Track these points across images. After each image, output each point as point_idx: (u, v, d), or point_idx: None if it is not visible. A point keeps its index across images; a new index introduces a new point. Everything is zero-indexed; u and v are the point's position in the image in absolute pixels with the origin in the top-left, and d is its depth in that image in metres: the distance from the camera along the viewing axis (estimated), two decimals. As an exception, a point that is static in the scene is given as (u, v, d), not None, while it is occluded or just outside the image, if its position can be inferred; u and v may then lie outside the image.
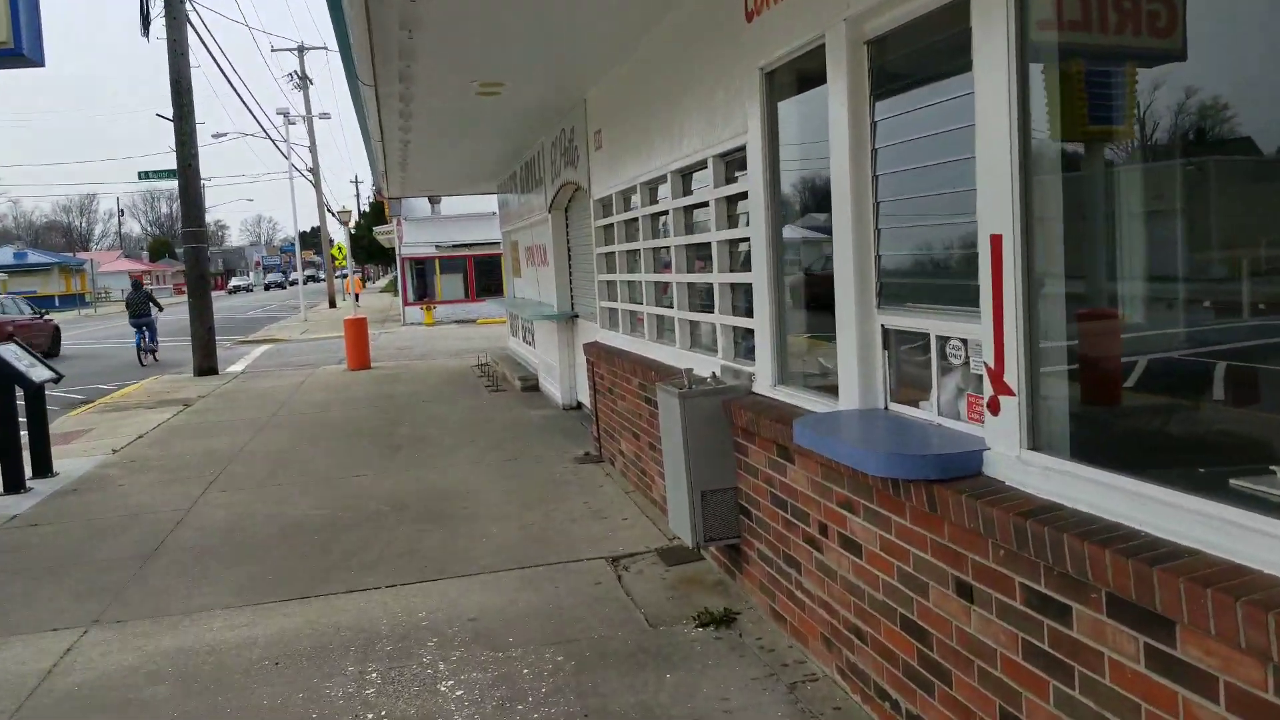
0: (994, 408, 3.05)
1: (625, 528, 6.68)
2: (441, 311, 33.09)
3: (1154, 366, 2.75)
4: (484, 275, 32.74)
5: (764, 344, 4.93)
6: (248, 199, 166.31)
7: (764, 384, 4.97)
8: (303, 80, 49.28)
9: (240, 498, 8.40)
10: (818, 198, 4.55)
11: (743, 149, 5.09)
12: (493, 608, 5.36)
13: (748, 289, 5.30)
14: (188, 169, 19.69)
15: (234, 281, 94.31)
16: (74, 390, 17.65)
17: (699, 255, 6.36)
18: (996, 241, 2.97)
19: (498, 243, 26.93)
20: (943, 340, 3.43)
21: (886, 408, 3.85)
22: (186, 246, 20.26)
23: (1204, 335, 2.57)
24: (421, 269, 34.04)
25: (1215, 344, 2.54)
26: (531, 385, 14.03)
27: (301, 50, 49.11)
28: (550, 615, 5.19)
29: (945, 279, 3.54)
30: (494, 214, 25.71)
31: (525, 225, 14.55)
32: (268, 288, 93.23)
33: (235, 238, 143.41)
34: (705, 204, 5.91)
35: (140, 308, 23.04)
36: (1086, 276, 2.97)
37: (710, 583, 5.50)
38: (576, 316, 11.64)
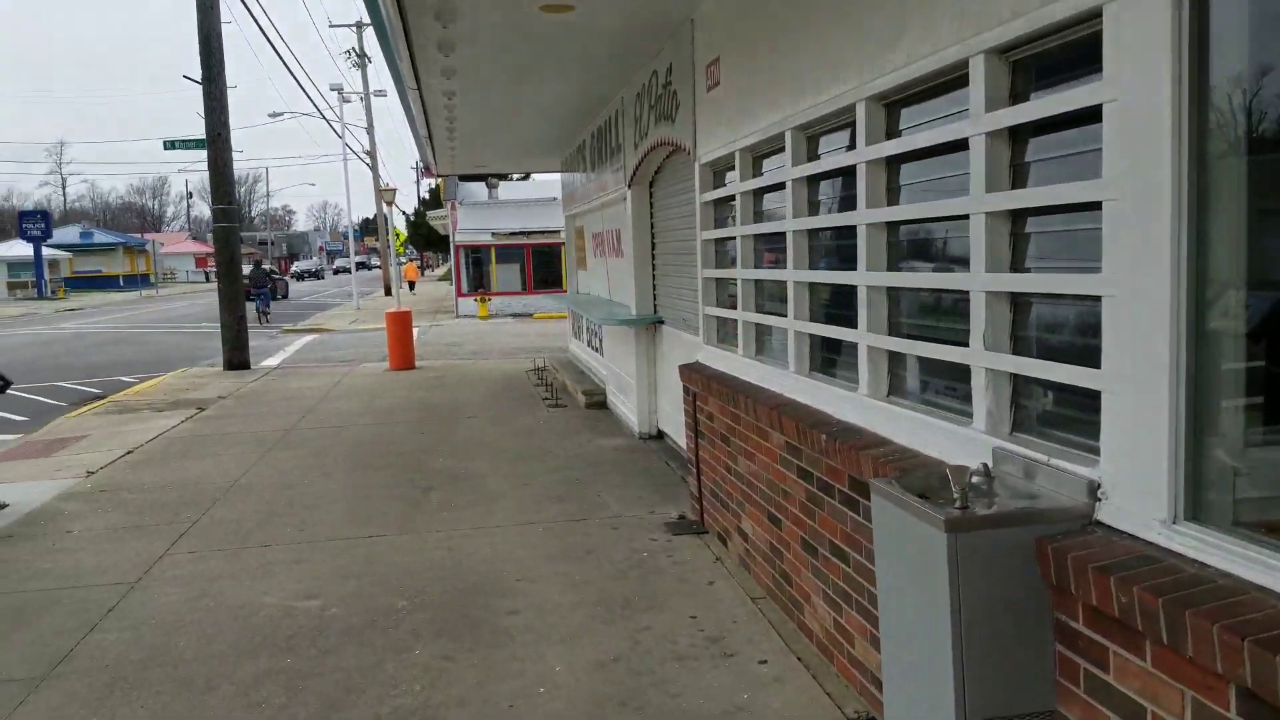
0: None
1: (768, 685, 4.08)
2: (496, 304, 30.77)
3: None
4: (542, 266, 30.65)
5: (1137, 421, 2.33)
6: (310, 184, 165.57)
7: (1135, 509, 2.36)
8: (361, 58, 47.42)
9: (209, 566, 6.04)
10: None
11: (1083, 23, 2.50)
12: None
13: (1059, 309, 2.72)
14: (217, 139, 17.45)
15: (295, 266, 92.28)
16: (93, 382, 16.45)
17: (909, 243, 3.78)
18: None
19: (558, 231, 24.63)
20: None
21: None
22: (216, 225, 18.18)
23: None
24: (477, 258, 31.74)
25: None
26: (598, 402, 11.50)
27: (360, 26, 47.32)
28: None
29: None
30: (554, 199, 23.37)
31: (595, 207, 12.01)
32: (300, 277, 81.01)
33: (301, 223, 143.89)
34: (949, 148, 3.31)
35: (260, 280, 31.61)
36: None
37: None
38: (661, 323, 9.09)
